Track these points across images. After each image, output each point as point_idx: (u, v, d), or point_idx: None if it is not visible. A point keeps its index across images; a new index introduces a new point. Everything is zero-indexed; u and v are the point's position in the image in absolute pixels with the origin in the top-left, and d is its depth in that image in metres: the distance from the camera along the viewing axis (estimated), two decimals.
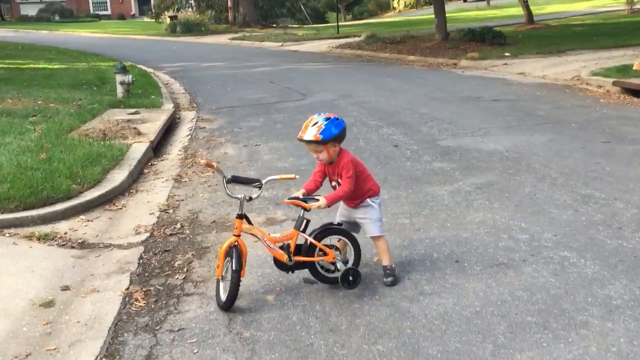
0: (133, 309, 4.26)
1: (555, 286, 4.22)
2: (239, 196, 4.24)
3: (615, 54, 17.80)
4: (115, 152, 8.13)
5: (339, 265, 4.37)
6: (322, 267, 4.43)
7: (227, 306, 4.16)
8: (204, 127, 11.19)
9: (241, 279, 4.15)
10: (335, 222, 4.53)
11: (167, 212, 6.32)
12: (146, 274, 4.83)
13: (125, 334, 3.92)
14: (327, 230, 4.44)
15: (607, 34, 22.77)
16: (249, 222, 4.32)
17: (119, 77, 13.63)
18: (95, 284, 4.69)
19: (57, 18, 59.93)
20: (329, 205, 4.24)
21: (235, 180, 4.28)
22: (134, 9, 66.95)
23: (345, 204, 4.54)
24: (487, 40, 21.94)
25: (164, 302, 4.34)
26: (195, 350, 3.68)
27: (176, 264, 4.99)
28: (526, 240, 5.04)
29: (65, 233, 5.74)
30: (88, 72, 18.74)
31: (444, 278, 4.45)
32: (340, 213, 4.63)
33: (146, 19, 58.16)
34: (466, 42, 22.46)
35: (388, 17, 52.85)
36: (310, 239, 4.32)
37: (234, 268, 4.08)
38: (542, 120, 9.94)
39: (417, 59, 21.45)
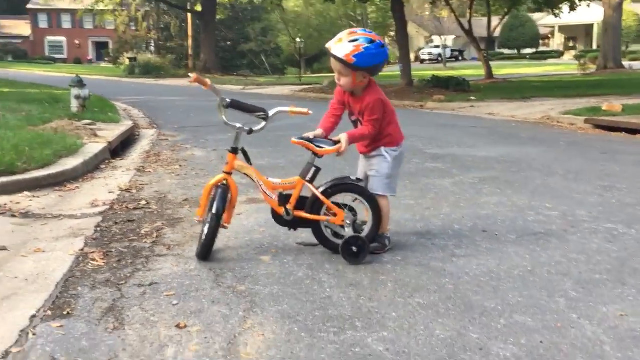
0: (89, 267, 3.32)
1: (614, 250, 3.53)
2: (237, 125, 3.46)
3: (579, 101, 17.86)
4: (69, 143, 7.17)
5: (347, 230, 3.45)
6: (328, 228, 3.58)
7: (203, 253, 3.39)
8: (167, 139, 10.28)
9: (227, 225, 3.44)
10: (354, 177, 3.63)
11: (129, 192, 5.39)
12: (105, 239, 3.89)
13: (80, 288, 2.98)
14: (339, 185, 3.52)
15: (567, 87, 23.16)
16: (248, 160, 3.49)
17: (74, 91, 12.59)
18: (40, 245, 3.73)
19: (10, 58, 58.32)
20: (348, 143, 3.36)
21: (235, 105, 3.45)
22: (91, 54, 65.69)
23: (359, 150, 3.72)
24: (451, 87, 21.98)
25: (129, 261, 3.42)
26: (174, 302, 2.78)
27: (143, 232, 4.07)
28: (559, 216, 4.35)
29: (5, 204, 4.75)
30: (40, 95, 17.62)
31: (475, 244, 3.69)
32: (360, 167, 3.78)
33: (103, 64, 57.17)
34: (430, 88, 22.43)
35: None
36: (318, 193, 3.43)
37: (215, 208, 3.32)
38: (528, 140, 9.49)
39: None
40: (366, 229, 3.55)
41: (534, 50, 56.87)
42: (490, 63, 31.10)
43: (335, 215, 3.48)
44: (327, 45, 3.42)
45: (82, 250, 3.61)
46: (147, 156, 7.92)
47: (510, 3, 29.10)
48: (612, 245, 3.63)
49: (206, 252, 3.39)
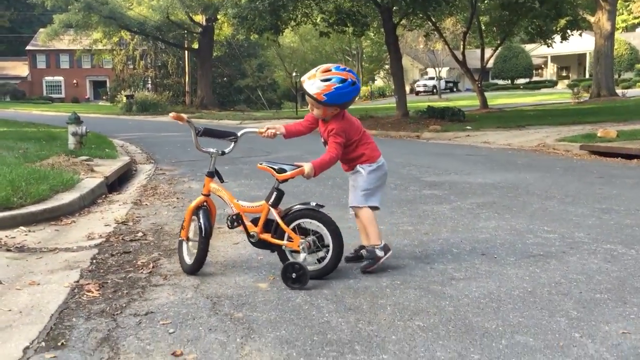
0: (84, 298, 3.28)
1: (614, 270, 3.50)
2: (211, 150, 3.76)
3: (574, 128, 17.92)
4: (65, 178, 7.16)
5: (302, 256, 3.47)
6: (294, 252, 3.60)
7: (195, 268, 3.68)
8: (164, 173, 10.29)
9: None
10: (314, 203, 3.62)
11: (126, 224, 5.37)
12: (101, 271, 3.86)
13: (74, 319, 2.93)
14: (298, 210, 3.58)
15: (562, 115, 23.27)
16: (221, 179, 3.76)
17: (71, 128, 12.62)
18: (35, 278, 3.69)
19: (7, 99, 58.70)
20: (315, 174, 3.48)
21: (208, 133, 3.74)
22: (88, 93, 66.14)
23: (343, 169, 3.89)
24: (447, 117, 22.09)
25: (125, 291, 3.38)
26: (171, 331, 2.73)
27: (139, 262, 4.03)
28: (557, 238, 4.33)
29: (0, 239, 4.71)
30: (37, 133, 17.68)
31: (474, 267, 3.66)
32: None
33: (101, 103, 57.56)
34: (426, 118, 22.54)
35: None
36: (277, 218, 3.52)
37: (203, 229, 3.58)
38: (524, 167, 9.50)
39: (379, 133, 21.23)
40: (327, 256, 3.51)
41: (527, 80, 57.43)
42: (485, 93, 31.35)
43: (291, 240, 3.53)
44: (301, 79, 3.63)
45: (77, 282, 3.57)
46: (144, 190, 7.90)
47: (503, 35, 29.47)
48: (612, 265, 3.61)
49: (197, 267, 3.67)
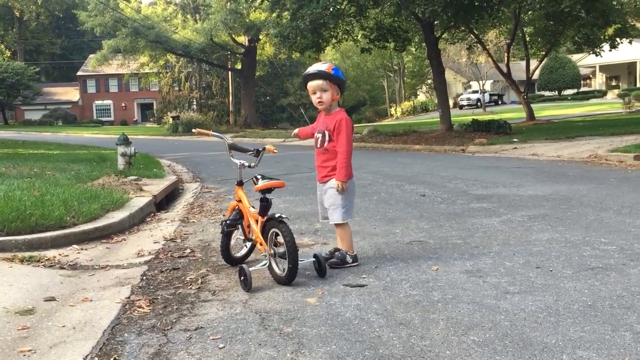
0: (135, 314, 3.30)
1: None
2: (237, 162, 4.23)
3: (627, 138, 17.35)
4: (116, 197, 7.31)
5: (263, 261, 3.86)
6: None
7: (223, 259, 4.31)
8: (210, 191, 10.41)
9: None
10: (278, 215, 3.84)
11: (174, 241, 5.42)
12: (151, 287, 3.89)
13: (126, 334, 2.95)
14: (266, 221, 3.92)
15: (613, 126, 22.59)
16: (255, 183, 4.15)
17: (120, 149, 12.94)
18: (88, 295, 3.75)
19: (60, 123, 60.70)
20: (350, 177, 3.98)
21: (233, 147, 4.33)
22: (136, 115, 67.96)
23: (317, 178, 4.24)
24: (493, 130, 21.69)
25: (174, 307, 3.39)
26: (221, 346, 2.72)
27: (188, 278, 4.06)
28: (616, 250, 4.16)
29: (54, 257, 4.81)
30: (88, 155, 18.19)
31: (529, 280, 3.54)
32: (318, 196, 4.35)
33: (148, 124, 58.97)
34: (471, 132, 22.20)
35: (386, 122, 53.70)
36: (257, 227, 3.96)
37: (226, 225, 4.26)
38: (576, 178, 9.23)
39: (423, 147, 21.05)
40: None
41: (575, 91, 56.13)
42: (531, 105, 30.72)
43: (262, 245, 3.91)
44: (304, 74, 4.08)
45: (128, 298, 3.60)
46: (191, 208, 8.00)
47: (548, 45, 28.90)
48: None
49: (223, 258, 4.33)
